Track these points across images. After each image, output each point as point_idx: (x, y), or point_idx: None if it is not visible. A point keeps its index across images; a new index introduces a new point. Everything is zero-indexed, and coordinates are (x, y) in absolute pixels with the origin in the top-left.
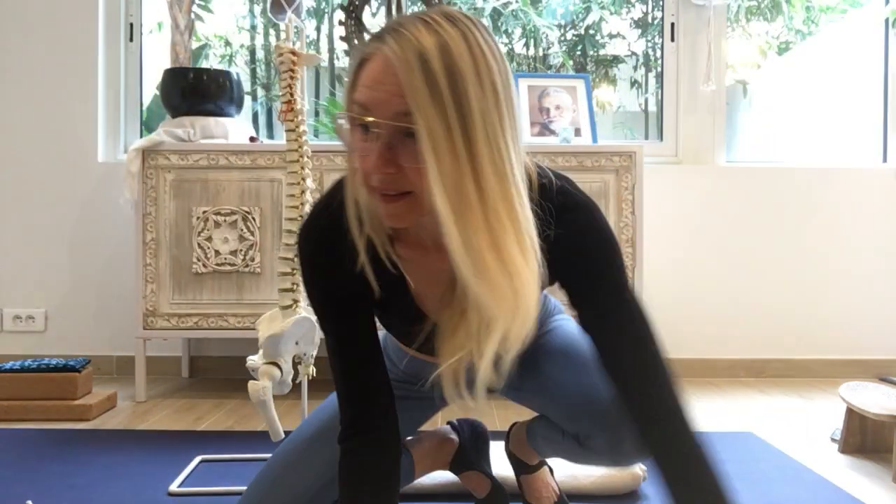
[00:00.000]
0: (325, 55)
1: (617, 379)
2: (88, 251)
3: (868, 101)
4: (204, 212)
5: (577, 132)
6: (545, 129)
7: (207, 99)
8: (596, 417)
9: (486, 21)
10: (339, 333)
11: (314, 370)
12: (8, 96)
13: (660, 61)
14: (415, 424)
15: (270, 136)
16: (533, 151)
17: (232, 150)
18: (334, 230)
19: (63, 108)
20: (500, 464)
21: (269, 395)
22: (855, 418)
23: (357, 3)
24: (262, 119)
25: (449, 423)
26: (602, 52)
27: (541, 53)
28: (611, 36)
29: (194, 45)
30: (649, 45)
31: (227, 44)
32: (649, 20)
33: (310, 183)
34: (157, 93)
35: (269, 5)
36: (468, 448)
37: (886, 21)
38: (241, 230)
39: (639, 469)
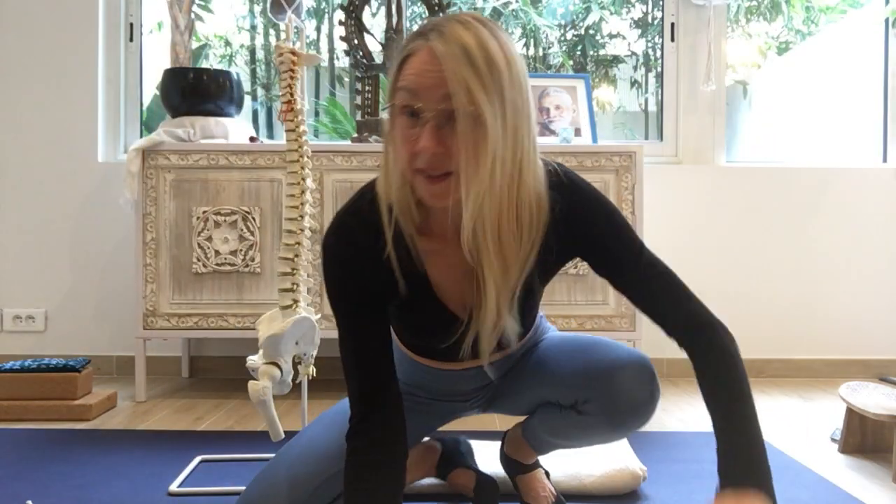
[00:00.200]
0: (325, 55)
1: (657, 314)
2: (88, 251)
3: (868, 101)
4: (204, 212)
5: (577, 132)
6: (545, 129)
7: (207, 99)
8: (592, 381)
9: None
10: (356, 331)
11: (314, 370)
12: (8, 96)
13: (660, 61)
14: (415, 437)
15: (270, 136)
16: None
17: (232, 150)
18: (361, 228)
19: (63, 108)
20: (495, 466)
21: (269, 395)
22: (855, 418)
23: (357, 3)
24: (262, 119)
25: (432, 437)
26: (602, 52)
27: (541, 53)
28: (611, 36)
29: (194, 45)
30: (649, 45)
31: (227, 44)
32: (649, 20)
33: (310, 183)
34: (157, 93)
35: (269, 5)
36: (452, 451)
37: (886, 21)
38: (241, 230)
39: (639, 469)
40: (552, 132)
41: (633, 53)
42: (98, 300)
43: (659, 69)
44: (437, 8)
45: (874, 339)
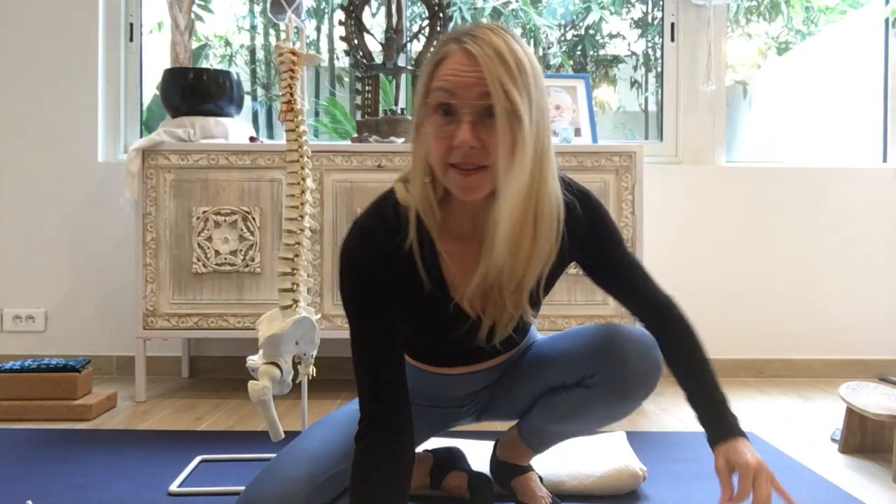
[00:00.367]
0: (325, 55)
1: (639, 310)
2: (88, 251)
3: (868, 101)
4: (204, 212)
5: (577, 132)
6: None
7: (207, 99)
8: (600, 353)
9: (486, 20)
10: (371, 333)
11: (314, 370)
12: (8, 96)
13: (660, 61)
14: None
15: (270, 136)
16: None
17: (232, 150)
18: (384, 230)
19: (63, 108)
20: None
21: (269, 395)
22: (855, 418)
23: (357, 3)
24: (262, 119)
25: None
26: (602, 52)
27: (541, 53)
28: (611, 36)
29: (194, 45)
30: (649, 45)
31: (227, 44)
32: (649, 20)
33: (310, 183)
34: (157, 93)
35: (269, 5)
36: (443, 458)
37: (886, 21)
38: (241, 230)
39: (639, 469)
40: (552, 132)
41: (633, 53)
42: (98, 300)
43: (659, 69)
44: (437, 8)
45: (874, 339)
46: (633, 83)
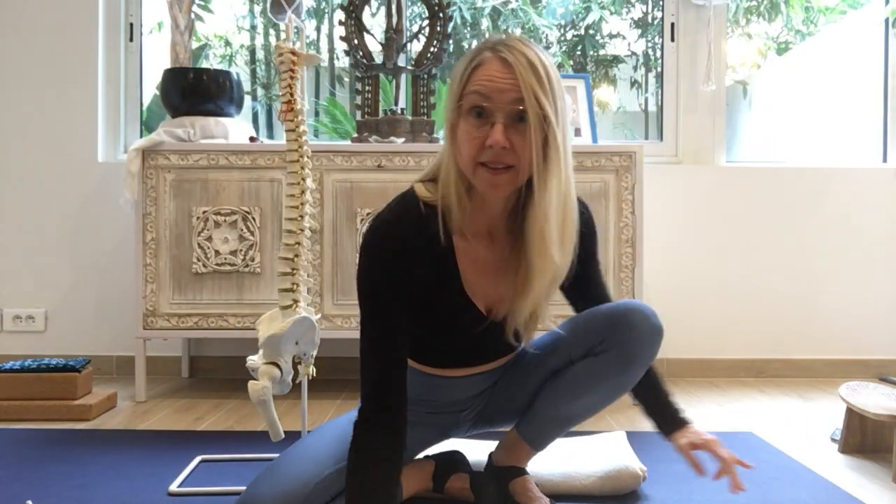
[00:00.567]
0: (325, 55)
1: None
2: (88, 251)
3: (868, 101)
4: (204, 212)
5: (577, 132)
6: None
7: (207, 99)
8: (606, 323)
9: (486, 20)
10: (384, 326)
11: (314, 370)
12: (8, 96)
13: (660, 61)
14: (412, 452)
15: (270, 136)
16: None
17: (232, 150)
18: (407, 226)
19: (63, 108)
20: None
21: (269, 395)
22: (855, 418)
23: (357, 3)
24: (262, 119)
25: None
26: (602, 52)
27: None
28: (611, 36)
29: (194, 45)
30: (649, 45)
31: (227, 44)
32: (649, 20)
33: (310, 183)
34: (157, 93)
35: (269, 5)
36: (446, 461)
37: (886, 21)
38: (241, 230)
39: (639, 469)
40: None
41: (633, 53)
42: (98, 300)
43: (659, 69)
44: (437, 8)
45: (874, 339)
46: (633, 83)
